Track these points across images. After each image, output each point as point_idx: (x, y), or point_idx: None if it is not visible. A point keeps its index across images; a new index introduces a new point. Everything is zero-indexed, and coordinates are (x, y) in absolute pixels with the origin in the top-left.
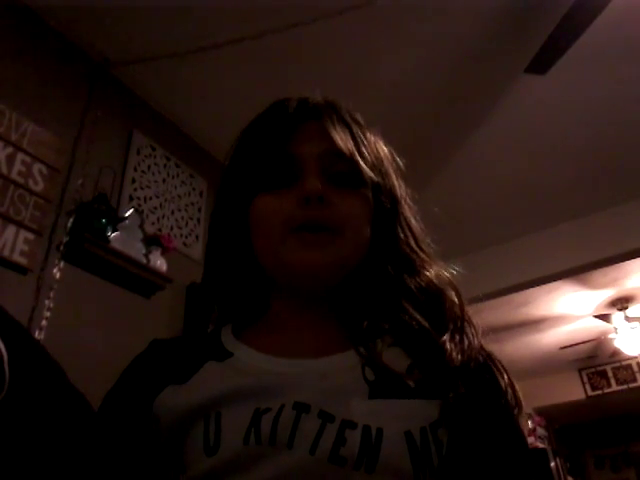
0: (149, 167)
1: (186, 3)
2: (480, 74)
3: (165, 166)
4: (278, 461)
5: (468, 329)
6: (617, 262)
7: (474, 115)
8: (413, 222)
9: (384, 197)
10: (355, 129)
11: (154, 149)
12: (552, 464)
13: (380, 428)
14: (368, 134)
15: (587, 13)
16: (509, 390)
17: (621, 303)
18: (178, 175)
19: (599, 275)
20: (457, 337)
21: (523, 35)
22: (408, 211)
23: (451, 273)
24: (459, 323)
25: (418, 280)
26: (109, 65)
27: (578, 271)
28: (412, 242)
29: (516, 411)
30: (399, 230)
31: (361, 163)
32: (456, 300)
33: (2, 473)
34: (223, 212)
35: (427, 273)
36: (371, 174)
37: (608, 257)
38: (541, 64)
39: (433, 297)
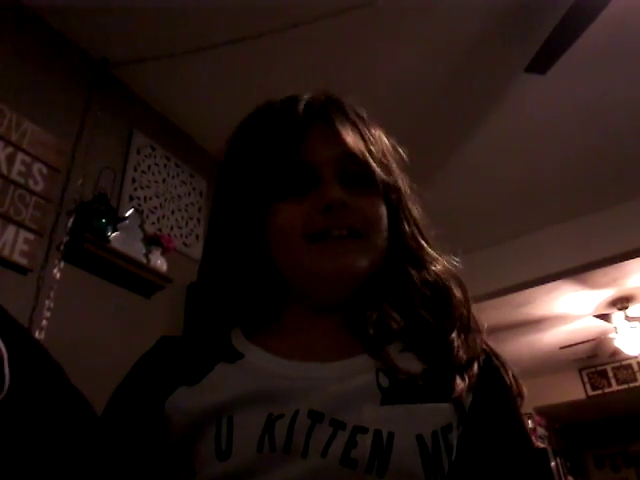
0: (149, 167)
1: (186, 3)
2: (480, 74)
3: (165, 166)
4: (291, 467)
5: (473, 326)
6: (617, 262)
7: (474, 115)
8: (416, 214)
9: (392, 193)
10: (362, 127)
11: (154, 149)
12: (552, 464)
13: (391, 432)
14: (373, 130)
15: (587, 13)
16: (514, 387)
17: (621, 303)
18: (178, 175)
19: (599, 275)
20: (463, 335)
21: (523, 35)
22: (411, 203)
23: (454, 264)
24: (465, 321)
25: (425, 275)
26: (109, 65)
27: (578, 271)
28: (417, 235)
29: (519, 401)
30: (404, 224)
31: (373, 165)
32: (461, 296)
33: (2, 473)
34: (230, 219)
35: (433, 268)
36: (381, 173)
37: (608, 257)
38: (541, 64)
39: (440, 293)
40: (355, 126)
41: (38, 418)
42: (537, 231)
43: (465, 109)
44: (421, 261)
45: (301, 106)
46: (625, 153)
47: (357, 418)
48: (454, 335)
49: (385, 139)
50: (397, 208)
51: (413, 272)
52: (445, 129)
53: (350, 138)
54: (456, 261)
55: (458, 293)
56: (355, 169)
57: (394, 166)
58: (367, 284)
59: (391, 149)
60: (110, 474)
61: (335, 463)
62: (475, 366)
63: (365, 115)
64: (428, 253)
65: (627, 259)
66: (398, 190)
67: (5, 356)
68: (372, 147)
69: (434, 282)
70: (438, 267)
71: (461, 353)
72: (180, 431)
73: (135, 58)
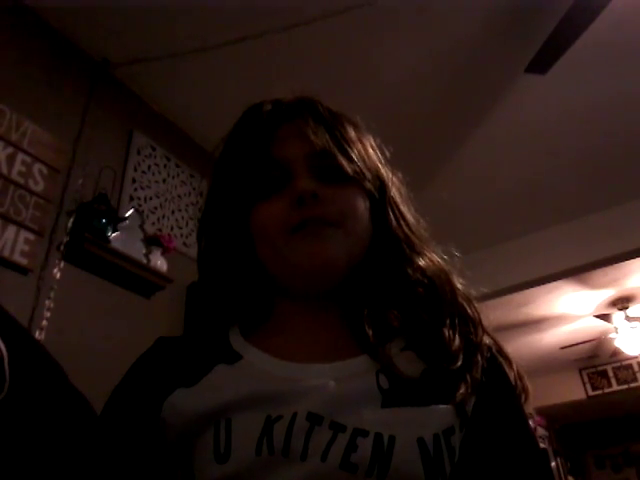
0: (149, 167)
1: (186, 3)
2: (480, 74)
3: (165, 166)
4: (290, 471)
5: (472, 317)
6: (617, 262)
7: (474, 115)
8: (403, 207)
9: (372, 186)
10: (332, 124)
11: (154, 149)
12: (553, 464)
13: (392, 436)
14: (347, 126)
15: (587, 13)
16: (518, 385)
17: (621, 303)
18: (178, 175)
19: (599, 275)
20: (458, 329)
21: (523, 35)
22: (398, 196)
23: (443, 258)
24: (457, 314)
25: (413, 269)
26: (109, 65)
27: (578, 271)
28: (404, 227)
29: (523, 398)
30: (390, 216)
31: (340, 158)
32: (450, 289)
33: (2, 473)
34: (219, 224)
35: (421, 261)
36: (355, 167)
37: (608, 257)
38: (541, 64)
39: (427, 287)
40: (325, 124)
41: (38, 418)
42: (537, 231)
43: (465, 109)
44: (409, 254)
45: (267, 107)
46: (625, 153)
47: (357, 421)
48: (446, 329)
49: (366, 136)
50: (382, 201)
51: (402, 266)
52: (445, 129)
53: (318, 135)
54: (453, 253)
55: (446, 286)
56: (327, 164)
57: (375, 160)
58: (361, 279)
59: (372, 144)
60: (109, 475)
61: (335, 467)
62: (477, 363)
63: (338, 112)
64: (415, 244)
65: (627, 259)
66: (381, 184)
67: (5, 356)
68: (344, 143)
69: (422, 276)
70: (425, 260)
71: (455, 347)
72: (178, 433)
73: (135, 58)
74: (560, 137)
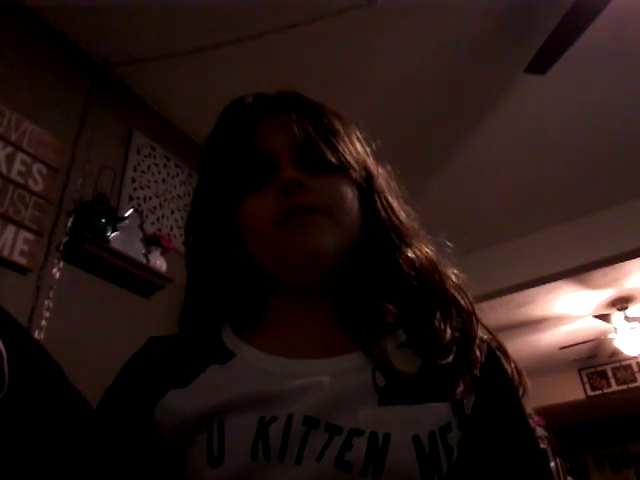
0: (149, 167)
1: (186, 3)
2: (480, 74)
3: (165, 166)
4: (285, 474)
5: (464, 307)
6: (617, 262)
7: (474, 115)
8: (390, 197)
9: (359, 175)
10: (315, 115)
11: (154, 149)
12: (552, 464)
13: (387, 434)
14: (330, 117)
15: (587, 13)
16: (516, 380)
17: (621, 303)
18: (178, 175)
19: (599, 275)
20: (449, 320)
21: (523, 35)
22: (385, 187)
23: (431, 249)
24: (446, 301)
25: (403, 260)
26: (109, 65)
27: (578, 271)
28: (392, 216)
29: (521, 393)
30: (378, 205)
31: (324, 148)
32: (437, 277)
33: (2, 473)
34: (207, 221)
35: (409, 252)
36: (339, 156)
37: (608, 257)
38: (541, 64)
39: (417, 277)
40: (308, 115)
41: (37, 418)
42: (537, 231)
43: (465, 109)
44: (398, 244)
45: (249, 101)
46: (625, 153)
47: (353, 420)
48: (437, 321)
49: (351, 128)
50: (370, 191)
51: (393, 256)
52: (445, 129)
53: (301, 126)
54: (446, 245)
55: (435, 276)
56: (312, 155)
57: (361, 152)
58: (353, 270)
59: (358, 136)
60: (106, 476)
61: (329, 467)
62: (473, 357)
63: (323, 105)
64: (404, 235)
65: (627, 259)
66: (368, 174)
67: (5, 356)
68: (328, 133)
69: (410, 266)
70: (414, 250)
71: (447, 339)
72: (171, 435)
73: (135, 58)
74: (560, 137)
